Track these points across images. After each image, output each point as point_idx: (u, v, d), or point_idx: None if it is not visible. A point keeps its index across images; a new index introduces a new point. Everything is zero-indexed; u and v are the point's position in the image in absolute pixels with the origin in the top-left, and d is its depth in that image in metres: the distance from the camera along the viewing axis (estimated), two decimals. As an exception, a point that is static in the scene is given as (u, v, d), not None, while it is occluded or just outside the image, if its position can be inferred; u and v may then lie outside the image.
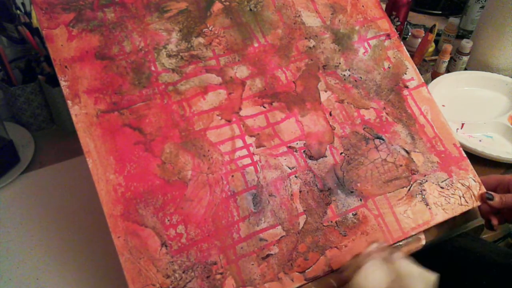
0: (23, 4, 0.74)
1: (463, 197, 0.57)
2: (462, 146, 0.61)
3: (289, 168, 0.53)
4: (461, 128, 0.73)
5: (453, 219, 0.56)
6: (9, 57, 0.74)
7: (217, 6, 0.60)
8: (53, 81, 0.68)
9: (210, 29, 0.58)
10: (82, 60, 0.52)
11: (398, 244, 0.53)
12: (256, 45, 0.59)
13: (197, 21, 0.58)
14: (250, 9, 0.61)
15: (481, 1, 0.99)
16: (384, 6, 0.90)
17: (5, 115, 0.76)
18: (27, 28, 0.71)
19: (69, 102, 0.50)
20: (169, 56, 0.55)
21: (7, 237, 0.54)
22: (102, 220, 0.45)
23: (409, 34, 0.94)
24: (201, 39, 0.57)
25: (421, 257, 0.56)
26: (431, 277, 0.43)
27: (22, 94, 0.70)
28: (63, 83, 0.50)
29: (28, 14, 0.74)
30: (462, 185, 0.58)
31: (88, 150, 0.48)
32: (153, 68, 0.54)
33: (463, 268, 0.56)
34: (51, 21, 0.53)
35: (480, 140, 0.72)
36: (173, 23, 0.57)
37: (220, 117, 0.54)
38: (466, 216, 0.58)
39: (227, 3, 0.61)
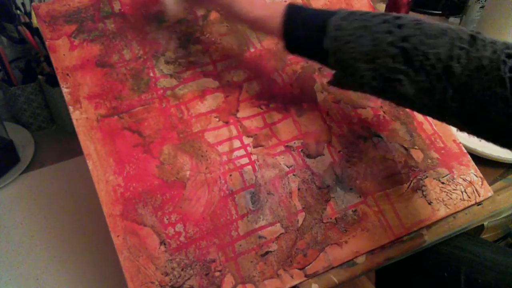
0: (23, 4, 0.74)
1: (465, 192, 0.56)
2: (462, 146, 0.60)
3: (287, 166, 0.54)
4: (462, 128, 0.72)
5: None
6: (9, 57, 0.74)
7: (214, 15, 0.62)
8: (53, 81, 0.68)
9: (207, 36, 0.60)
10: (83, 68, 0.54)
11: (400, 240, 0.53)
12: (252, 50, 0.61)
13: (195, 29, 0.60)
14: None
15: (481, 1, 0.99)
16: (384, 6, 0.91)
17: (5, 115, 0.76)
18: (27, 28, 0.72)
19: (70, 108, 0.51)
20: (167, 62, 0.57)
21: (7, 237, 0.54)
22: (102, 219, 0.46)
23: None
24: (198, 46, 0.59)
25: (418, 258, 0.55)
26: None
27: (22, 94, 0.70)
28: (64, 90, 0.52)
29: (28, 14, 0.75)
30: (464, 180, 0.57)
31: (88, 153, 0.49)
32: (151, 74, 0.56)
33: (458, 267, 0.55)
34: (54, 33, 0.55)
35: (480, 140, 0.71)
36: (171, 32, 0.59)
37: (217, 119, 0.55)
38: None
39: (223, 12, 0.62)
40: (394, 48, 0.40)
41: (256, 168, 0.53)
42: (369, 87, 0.44)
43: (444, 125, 0.61)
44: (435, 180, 0.56)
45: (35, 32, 0.73)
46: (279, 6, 0.47)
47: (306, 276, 0.48)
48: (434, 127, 0.60)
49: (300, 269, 0.48)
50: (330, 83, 0.48)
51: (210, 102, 0.56)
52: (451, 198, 0.56)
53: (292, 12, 0.47)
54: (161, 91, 0.55)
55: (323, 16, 0.44)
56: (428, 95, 0.40)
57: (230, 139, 0.54)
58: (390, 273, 0.65)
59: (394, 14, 0.43)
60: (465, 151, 0.60)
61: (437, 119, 0.43)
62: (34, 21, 0.74)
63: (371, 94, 0.45)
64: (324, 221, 0.51)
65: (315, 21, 0.45)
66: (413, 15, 0.41)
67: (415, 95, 0.40)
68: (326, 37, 0.43)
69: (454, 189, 0.56)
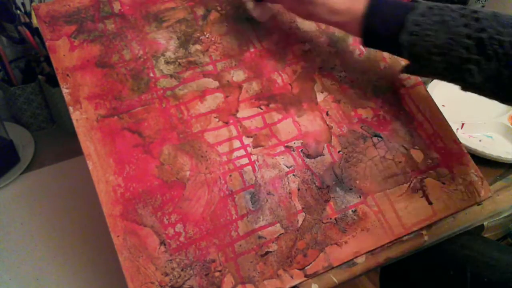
0: (23, 4, 0.74)
1: (465, 192, 0.56)
2: (462, 146, 0.61)
3: (287, 167, 0.54)
4: (461, 128, 0.72)
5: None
6: (9, 57, 0.74)
7: (214, 15, 0.62)
8: (53, 81, 0.68)
9: (207, 36, 0.60)
10: (83, 69, 0.54)
11: (400, 240, 0.53)
12: (252, 50, 0.61)
13: (195, 29, 0.60)
14: (246, 18, 0.63)
15: (481, 1, 0.99)
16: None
17: (5, 115, 0.76)
18: (27, 28, 0.72)
19: (70, 108, 0.51)
20: (167, 62, 0.57)
21: (7, 237, 0.55)
22: (102, 219, 0.46)
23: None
24: (198, 46, 0.59)
25: (423, 256, 0.55)
26: None
27: (22, 94, 0.70)
28: (65, 90, 0.52)
29: (28, 14, 0.75)
30: (464, 180, 0.57)
31: (88, 153, 0.49)
32: (151, 74, 0.56)
33: (464, 266, 0.56)
34: (54, 33, 0.55)
35: (480, 140, 0.71)
36: (171, 32, 0.59)
37: (217, 119, 0.55)
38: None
39: (223, 11, 0.62)
40: (469, 40, 0.43)
41: (256, 168, 0.53)
42: (440, 76, 0.49)
43: (445, 125, 0.61)
44: (435, 180, 0.56)
45: (35, 32, 0.73)
46: (358, 3, 0.50)
47: (306, 276, 0.48)
48: (434, 127, 0.60)
49: (300, 269, 0.48)
50: (403, 71, 0.53)
51: (210, 102, 0.56)
52: (451, 198, 0.56)
53: (372, 6, 0.49)
54: (161, 91, 0.55)
55: (402, 11, 0.47)
56: (495, 82, 0.43)
57: (230, 139, 0.54)
58: (395, 271, 0.66)
59: (472, 8, 0.46)
60: (465, 151, 0.59)
61: (504, 102, 0.47)
62: (34, 21, 0.74)
63: (442, 80, 0.50)
64: (324, 221, 0.51)
65: (395, 14, 0.48)
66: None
67: (482, 82, 0.44)
68: (402, 32, 0.47)
69: (454, 189, 0.56)
